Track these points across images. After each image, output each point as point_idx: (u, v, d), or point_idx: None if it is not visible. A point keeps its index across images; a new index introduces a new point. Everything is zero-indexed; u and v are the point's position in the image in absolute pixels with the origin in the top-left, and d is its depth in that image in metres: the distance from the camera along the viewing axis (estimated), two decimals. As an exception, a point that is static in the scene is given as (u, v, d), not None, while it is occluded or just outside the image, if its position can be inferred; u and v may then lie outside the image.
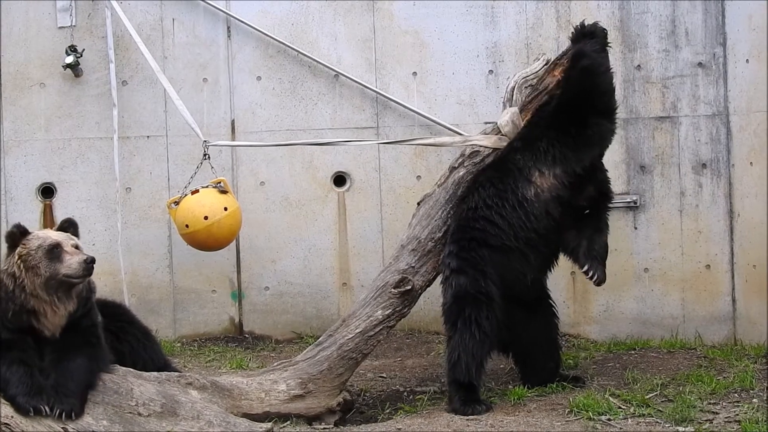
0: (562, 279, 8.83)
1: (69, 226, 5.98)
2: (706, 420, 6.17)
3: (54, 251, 5.70)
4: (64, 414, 5.52)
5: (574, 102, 6.87)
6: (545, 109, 7.04)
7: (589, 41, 6.94)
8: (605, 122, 6.98)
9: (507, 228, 6.76)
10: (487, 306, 6.69)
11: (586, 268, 6.93)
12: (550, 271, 7.20)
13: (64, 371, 5.65)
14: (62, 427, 5.52)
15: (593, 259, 6.93)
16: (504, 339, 6.95)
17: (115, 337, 6.44)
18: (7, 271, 5.74)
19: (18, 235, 5.79)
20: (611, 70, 7.06)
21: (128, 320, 6.67)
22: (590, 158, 6.95)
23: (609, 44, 7.07)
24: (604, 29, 7.04)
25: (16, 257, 5.72)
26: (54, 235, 5.81)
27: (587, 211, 6.98)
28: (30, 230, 5.85)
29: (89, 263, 5.68)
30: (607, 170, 7.18)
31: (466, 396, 6.56)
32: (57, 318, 5.75)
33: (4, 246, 5.87)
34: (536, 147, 6.86)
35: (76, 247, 5.81)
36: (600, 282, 7.00)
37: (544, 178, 6.79)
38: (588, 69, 6.84)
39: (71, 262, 5.68)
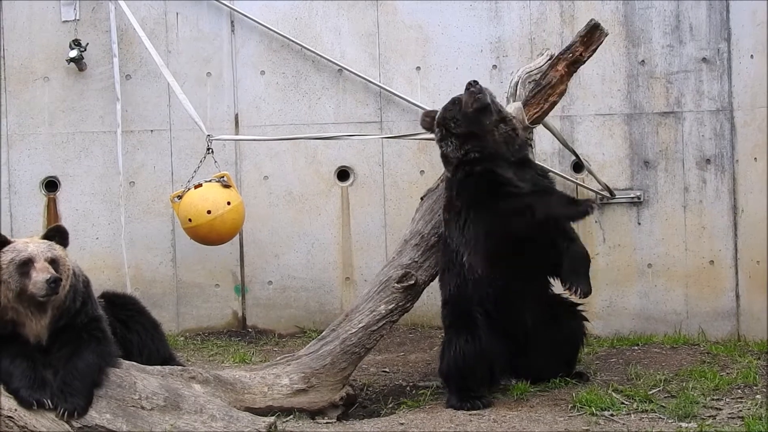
0: (566, 274, 8.83)
1: (55, 234, 5.89)
2: (709, 416, 6.15)
3: (24, 267, 5.63)
4: (67, 413, 5.53)
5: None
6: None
7: None
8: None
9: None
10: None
11: (567, 285, 6.72)
12: (549, 287, 7.03)
13: (72, 369, 5.65)
14: (66, 422, 5.53)
15: (574, 273, 6.72)
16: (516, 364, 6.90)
17: (125, 326, 6.50)
18: None
19: None
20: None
21: (138, 310, 6.74)
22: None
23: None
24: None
25: None
26: (31, 248, 5.71)
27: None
28: (11, 240, 5.79)
29: (51, 283, 5.58)
30: (547, 175, 7.05)
31: (464, 393, 6.55)
32: (36, 328, 5.73)
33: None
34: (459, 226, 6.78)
35: (53, 260, 5.70)
36: (586, 294, 6.73)
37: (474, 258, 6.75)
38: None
39: (36, 280, 5.59)
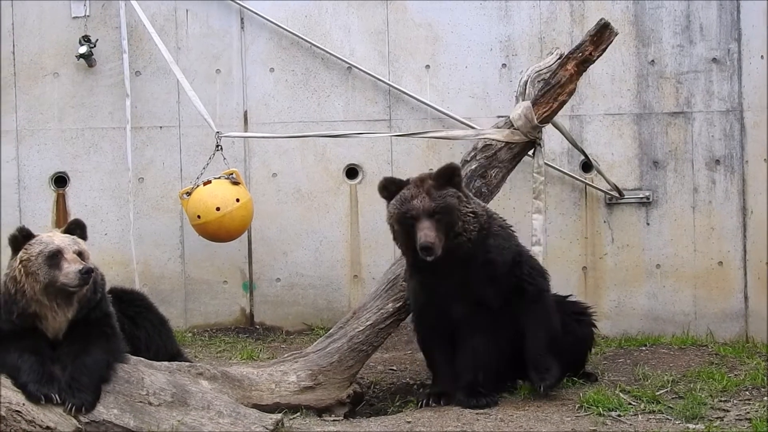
0: (574, 274, 8.83)
1: (76, 228, 5.95)
2: (716, 417, 6.15)
3: (54, 258, 5.68)
4: (74, 408, 5.54)
5: None
6: None
7: None
8: None
9: None
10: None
11: (530, 377, 6.60)
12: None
13: (80, 365, 5.66)
14: (73, 417, 5.54)
15: (534, 365, 6.56)
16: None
17: (133, 322, 6.51)
18: (9, 275, 5.75)
19: (20, 239, 5.79)
20: None
21: (146, 307, 6.76)
22: None
23: None
24: None
25: (18, 262, 5.72)
26: (57, 241, 5.76)
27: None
28: (34, 233, 5.82)
29: (84, 273, 5.63)
30: (525, 260, 6.74)
31: (471, 390, 6.54)
32: (57, 322, 5.76)
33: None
34: None
35: (80, 252, 5.76)
36: (548, 388, 6.52)
37: None
38: None
39: (68, 271, 5.64)
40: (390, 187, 6.53)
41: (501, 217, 6.83)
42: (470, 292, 6.50)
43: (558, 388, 6.80)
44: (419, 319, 6.81)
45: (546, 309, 6.70)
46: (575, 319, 7.09)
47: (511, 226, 6.83)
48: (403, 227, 6.40)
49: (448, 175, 6.45)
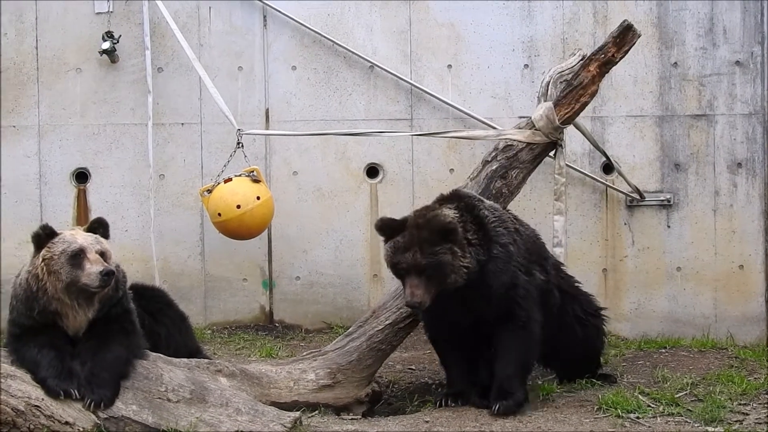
0: (594, 275, 8.80)
1: (99, 227, 5.95)
2: (735, 421, 6.13)
3: (76, 258, 5.69)
4: (93, 404, 5.55)
5: None
6: None
7: None
8: None
9: None
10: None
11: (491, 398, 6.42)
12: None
13: (100, 361, 5.69)
14: (92, 412, 5.56)
15: (498, 390, 6.36)
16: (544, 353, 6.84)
17: (153, 319, 6.53)
18: (31, 272, 5.76)
19: (44, 236, 5.79)
20: None
21: (166, 303, 6.79)
22: None
23: None
24: None
25: (40, 260, 5.73)
26: (80, 240, 5.77)
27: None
28: (57, 231, 5.83)
29: (105, 275, 5.64)
30: (524, 289, 6.57)
31: (483, 390, 6.51)
32: (78, 321, 5.79)
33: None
34: None
35: (102, 252, 5.76)
36: (501, 409, 6.25)
37: None
38: None
39: (90, 272, 5.65)
40: (386, 230, 6.34)
41: (504, 230, 6.51)
42: (468, 308, 6.44)
43: (576, 390, 6.80)
44: (426, 322, 6.78)
45: (530, 336, 6.50)
46: (580, 323, 7.05)
47: (512, 243, 6.51)
48: (396, 273, 6.32)
49: (443, 234, 6.19)
